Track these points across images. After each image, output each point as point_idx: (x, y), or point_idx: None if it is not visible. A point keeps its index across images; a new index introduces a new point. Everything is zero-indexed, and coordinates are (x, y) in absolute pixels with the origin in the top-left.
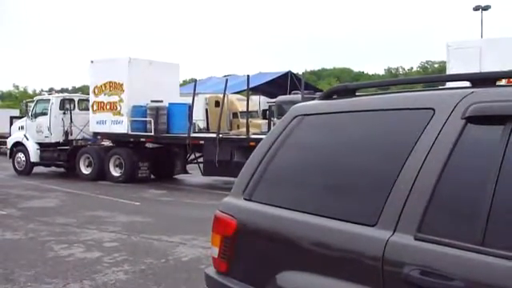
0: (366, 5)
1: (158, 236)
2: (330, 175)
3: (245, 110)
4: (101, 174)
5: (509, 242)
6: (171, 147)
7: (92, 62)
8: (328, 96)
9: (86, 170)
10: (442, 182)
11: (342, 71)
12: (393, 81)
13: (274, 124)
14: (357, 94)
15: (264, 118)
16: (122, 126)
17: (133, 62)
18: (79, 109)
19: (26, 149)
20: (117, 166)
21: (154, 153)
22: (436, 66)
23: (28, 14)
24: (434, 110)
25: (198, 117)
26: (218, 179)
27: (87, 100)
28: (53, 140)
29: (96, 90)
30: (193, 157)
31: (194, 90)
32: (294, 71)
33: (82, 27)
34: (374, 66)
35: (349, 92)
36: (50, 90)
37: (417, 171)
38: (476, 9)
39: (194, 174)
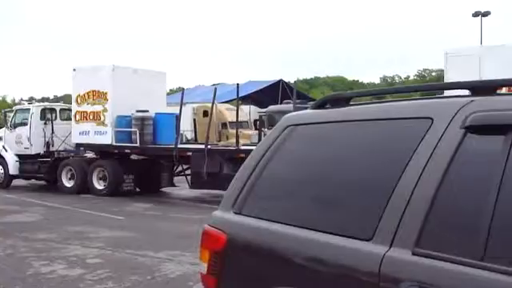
0: (361, 11)
1: (144, 252)
2: (323, 187)
3: (234, 120)
4: (84, 187)
5: (511, 256)
6: (157, 159)
7: (74, 69)
8: (321, 105)
9: (68, 183)
10: (441, 195)
11: (336, 80)
12: (389, 89)
13: (264, 134)
14: (351, 103)
15: (254, 128)
16: (106, 137)
17: (117, 69)
18: (61, 119)
19: (5, 161)
20: (100, 178)
21: (140, 165)
22: (434, 74)
23: (6, 19)
24: (432, 119)
25: (186, 127)
26: (206, 192)
27: (69, 109)
28: (33, 151)
29: (79, 99)
30: (180, 169)
31: (182, 99)
32: (286, 80)
33: (65, 34)
34: (369, 75)
35: (343, 101)
36: (30, 100)
37: (414, 183)
38: (475, 15)
39: (181, 187)
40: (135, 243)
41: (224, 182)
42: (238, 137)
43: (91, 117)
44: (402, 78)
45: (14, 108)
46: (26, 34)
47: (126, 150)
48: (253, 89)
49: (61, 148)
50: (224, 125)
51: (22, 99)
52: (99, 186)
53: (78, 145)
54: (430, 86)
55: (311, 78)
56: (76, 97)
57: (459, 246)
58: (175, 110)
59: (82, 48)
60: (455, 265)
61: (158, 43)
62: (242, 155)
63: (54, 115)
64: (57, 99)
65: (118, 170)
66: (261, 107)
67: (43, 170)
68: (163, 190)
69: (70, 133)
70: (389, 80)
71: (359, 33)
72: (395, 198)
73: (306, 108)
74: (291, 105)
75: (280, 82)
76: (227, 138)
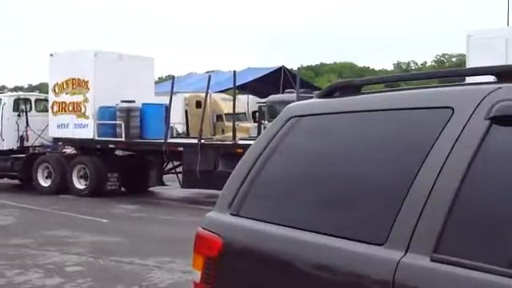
0: None
1: (130, 258)
2: (330, 186)
3: (231, 111)
4: (62, 187)
5: None
6: (145, 155)
7: (51, 55)
8: (328, 94)
9: (44, 182)
10: (463, 194)
11: (344, 66)
12: (404, 76)
13: (264, 127)
14: (362, 91)
15: (253, 120)
16: (88, 131)
17: (100, 55)
18: (37, 110)
19: None
20: (81, 177)
21: (125, 161)
22: (454, 59)
23: None
24: (452, 109)
25: (177, 119)
26: (199, 192)
27: (46, 100)
28: (5, 147)
29: (56, 89)
30: (170, 166)
31: (172, 88)
32: (288, 66)
33: (41, 16)
34: (382, 61)
35: (352, 89)
36: (2, 89)
37: (433, 181)
38: None
39: (171, 186)
40: (120, 249)
41: (219, 181)
42: (234, 130)
43: (70, 108)
44: (419, 63)
45: None
46: None
47: (110, 145)
48: (251, 77)
49: (36, 143)
50: (219, 117)
51: None
52: (80, 185)
53: (56, 139)
54: (451, 71)
55: (316, 65)
56: (53, 86)
57: (484, 251)
58: (165, 100)
59: (61, 32)
60: (479, 272)
61: (145, 26)
62: (240, 151)
63: (28, 106)
64: (32, 88)
65: (101, 168)
66: (260, 97)
67: (17, 168)
68: (151, 189)
69: (47, 126)
70: (403, 66)
71: (370, 14)
72: (411, 197)
73: (311, 97)
74: (294, 94)
75: (282, 68)
76: (223, 132)
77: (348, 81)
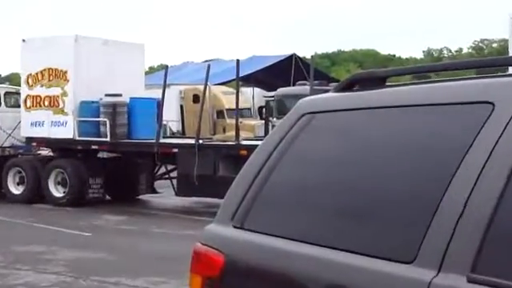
0: None
1: (116, 278)
2: (350, 195)
3: (233, 106)
4: (37, 195)
5: None
6: (133, 158)
7: (24, 41)
8: (347, 87)
9: (16, 189)
10: (505, 205)
11: (366, 54)
12: (435, 66)
13: (272, 126)
14: (386, 84)
15: (260, 117)
16: (67, 129)
17: (81, 41)
18: (6, 105)
19: None
20: (59, 183)
21: (110, 165)
22: (495, 45)
23: None
24: (493, 104)
25: (171, 116)
26: (197, 201)
27: (17, 93)
28: None
29: (30, 80)
30: (163, 170)
31: (165, 79)
32: (300, 54)
33: None
34: (409, 48)
35: (375, 81)
36: None
37: (470, 188)
38: None
39: (164, 194)
40: (105, 267)
41: (220, 188)
42: (238, 129)
43: (46, 103)
44: (453, 51)
45: None
46: None
47: (93, 146)
48: (257, 66)
49: (6, 143)
50: (220, 113)
51: None
52: (57, 192)
53: (29, 139)
54: (491, 60)
55: (333, 53)
56: (26, 77)
57: None
58: (157, 93)
59: (34, 15)
60: None
61: (133, 8)
62: (244, 152)
63: None
64: (1, 80)
65: (82, 173)
66: (268, 90)
67: None
68: (141, 197)
69: (19, 124)
70: (435, 54)
71: None
72: (444, 207)
73: (327, 91)
74: (307, 87)
75: (293, 57)
76: (224, 131)
77: (370, 72)
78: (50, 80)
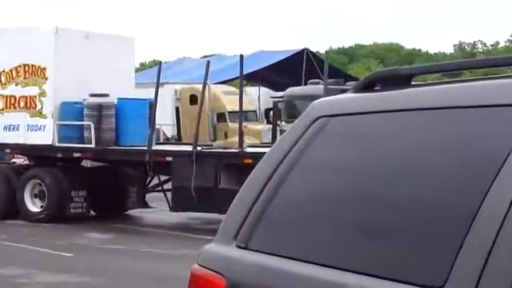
0: None
1: None
2: (371, 211)
3: (236, 109)
4: (11, 209)
5: None
6: (122, 167)
7: None
8: (367, 86)
9: None
10: None
11: (388, 49)
12: (468, 62)
13: (281, 131)
14: (412, 83)
15: (267, 121)
16: (45, 134)
17: (62, 33)
18: None
19: None
20: (36, 196)
21: (96, 176)
22: None
23: None
24: None
25: (165, 120)
26: (194, 216)
27: None
28: None
29: (3, 78)
30: (156, 182)
31: (158, 77)
32: (313, 49)
33: None
34: (438, 41)
35: (399, 80)
36: None
37: (508, 203)
38: None
39: (157, 209)
40: None
41: (221, 202)
42: (241, 134)
43: (22, 104)
44: (488, 44)
45: None
46: None
47: (75, 154)
48: (264, 62)
49: None
50: (221, 116)
51: None
52: (34, 207)
53: (2, 145)
54: None
55: (351, 47)
56: None
57: None
58: (149, 93)
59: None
60: None
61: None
62: (249, 162)
63: None
64: None
65: (63, 184)
66: (276, 90)
67: None
68: (130, 212)
69: None
70: (467, 48)
71: None
72: (479, 224)
73: (344, 91)
74: (321, 86)
75: (304, 52)
76: (226, 137)
77: (394, 69)
78: (26, 78)
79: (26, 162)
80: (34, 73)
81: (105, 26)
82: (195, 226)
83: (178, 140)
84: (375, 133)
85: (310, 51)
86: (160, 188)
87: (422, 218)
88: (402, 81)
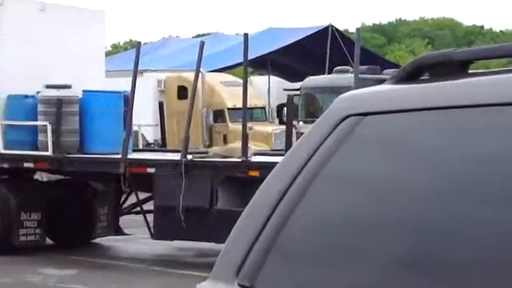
0: None
1: None
2: (422, 240)
3: (239, 105)
4: None
5: None
6: (88, 181)
7: None
8: (411, 76)
9: None
10: None
11: (439, 25)
12: None
13: (299, 134)
14: (470, 71)
15: (279, 121)
16: None
17: (8, 4)
18: None
19: None
20: None
21: (53, 193)
22: None
23: None
24: None
25: (145, 119)
26: (183, 246)
27: None
28: None
29: None
30: (133, 200)
31: (136, 63)
32: (340, 26)
33: None
34: (504, 17)
35: (454, 67)
36: None
37: None
38: None
39: (134, 236)
40: None
41: (218, 227)
42: (246, 138)
43: None
44: None
45: None
46: None
47: (26, 164)
48: (275, 44)
49: None
50: (219, 114)
51: None
52: None
53: None
54: None
55: (390, 24)
56: None
57: None
58: (124, 84)
59: None
60: None
61: None
62: (255, 174)
63: None
64: None
65: (10, 204)
66: (291, 80)
67: None
68: (99, 241)
69: None
70: None
71: None
72: None
73: (380, 81)
74: (350, 75)
75: (329, 30)
76: (225, 141)
77: (446, 53)
78: None
79: None
80: None
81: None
82: (184, 258)
83: (163, 146)
84: (423, 136)
85: (336, 29)
86: (138, 209)
87: (492, 246)
88: (456, 68)
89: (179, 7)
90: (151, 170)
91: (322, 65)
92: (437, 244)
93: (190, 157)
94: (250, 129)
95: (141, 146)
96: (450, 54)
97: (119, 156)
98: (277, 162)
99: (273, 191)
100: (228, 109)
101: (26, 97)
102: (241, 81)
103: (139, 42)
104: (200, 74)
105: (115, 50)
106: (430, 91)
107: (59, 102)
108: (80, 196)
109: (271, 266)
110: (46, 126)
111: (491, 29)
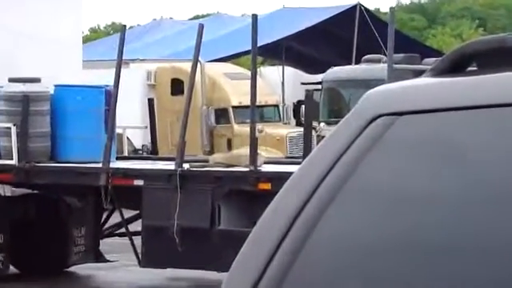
0: None
1: None
2: (475, 265)
3: (246, 102)
4: None
5: None
6: (61, 196)
7: None
8: (455, 66)
9: None
10: None
11: (493, 4)
12: None
13: (319, 137)
14: None
15: (296, 122)
16: None
17: None
18: None
19: None
20: None
21: (19, 211)
22: None
23: None
24: None
25: (131, 119)
26: (177, 275)
27: None
28: None
29: None
30: (117, 220)
31: (121, 52)
32: (370, 5)
33: None
34: None
35: (509, 57)
36: None
37: None
38: None
39: (118, 264)
40: None
41: (221, 252)
42: (255, 143)
43: None
44: None
45: None
46: None
47: None
48: (290, 27)
49: None
50: (222, 113)
51: None
52: None
53: None
54: None
55: (431, 1)
56: None
57: None
58: (106, 77)
59: None
60: None
61: None
62: (266, 187)
63: None
64: None
65: None
66: (310, 71)
67: None
68: (75, 270)
69: None
70: None
71: None
72: None
73: (420, 73)
74: (383, 65)
75: (356, 9)
76: (229, 146)
77: (499, 38)
78: None
79: None
80: None
81: None
82: None
83: (153, 152)
84: (470, 140)
85: (366, 8)
86: (123, 230)
87: None
88: (509, 57)
89: None
90: (139, 183)
91: (348, 53)
92: (494, 270)
93: (186, 166)
94: (260, 131)
95: (126, 153)
96: (503, 39)
97: (99, 165)
98: (292, 172)
99: (288, 208)
100: (233, 107)
101: None
102: (248, 73)
103: (124, 26)
104: (199, 65)
105: (94, 34)
106: (479, 86)
107: (26, 99)
108: (51, 214)
109: None
110: (9, 128)
111: None
